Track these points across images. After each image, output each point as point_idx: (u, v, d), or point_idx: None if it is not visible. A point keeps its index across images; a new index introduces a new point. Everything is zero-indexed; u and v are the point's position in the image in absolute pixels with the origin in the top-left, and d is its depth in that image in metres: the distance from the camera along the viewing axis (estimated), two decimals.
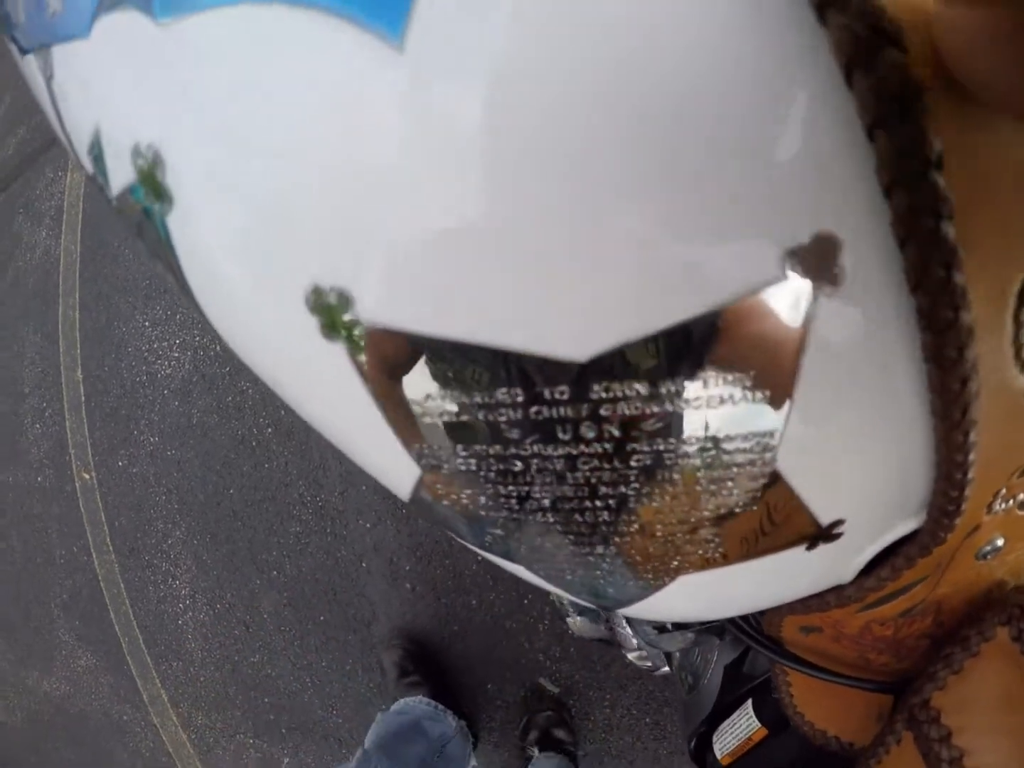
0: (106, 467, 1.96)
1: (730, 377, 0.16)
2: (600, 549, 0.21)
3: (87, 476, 1.99)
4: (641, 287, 0.15)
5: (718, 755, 0.52)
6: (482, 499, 0.21)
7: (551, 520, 0.20)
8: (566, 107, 0.14)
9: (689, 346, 0.15)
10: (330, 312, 0.17)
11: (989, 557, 0.24)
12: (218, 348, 1.83)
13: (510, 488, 0.20)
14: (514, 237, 0.15)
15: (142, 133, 0.18)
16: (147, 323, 1.96)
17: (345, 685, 1.60)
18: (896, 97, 0.12)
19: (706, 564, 0.21)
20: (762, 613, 0.31)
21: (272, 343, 0.20)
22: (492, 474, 0.19)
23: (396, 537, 1.54)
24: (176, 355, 1.89)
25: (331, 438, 0.24)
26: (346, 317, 0.17)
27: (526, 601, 1.39)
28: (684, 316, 0.15)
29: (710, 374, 0.16)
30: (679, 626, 0.51)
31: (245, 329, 0.21)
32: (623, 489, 0.19)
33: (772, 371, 0.16)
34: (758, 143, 0.13)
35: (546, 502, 0.20)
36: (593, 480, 0.19)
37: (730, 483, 0.18)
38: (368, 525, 1.58)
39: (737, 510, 0.19)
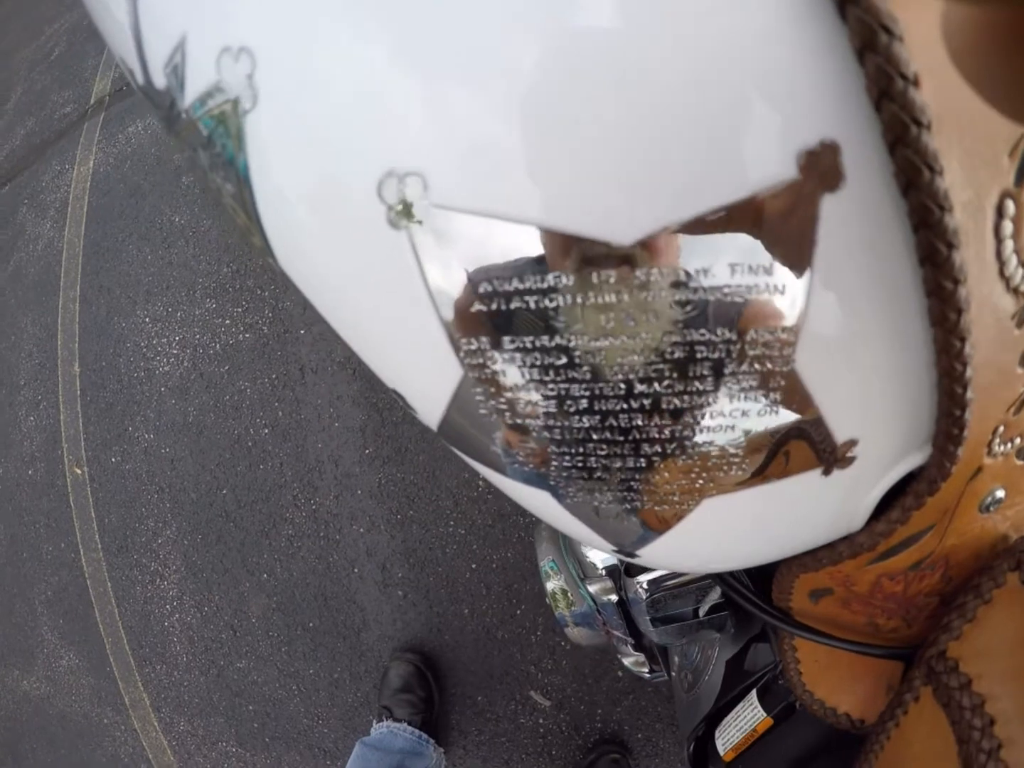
0: (98, 463, 1.94)
1: (751, 269, 0.18)
2: (631, 462, 0.22)
3: (79, 471, 1.97)
4: (684, 178, 0.17)
5: (721, 751, 0.52)
6: (522, 401, 0.22)
7: (587, 424, 0.22)
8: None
9: (720, 232, 0.17)
10: (402, 197, 0.19)
11: (992, 510, 0.26)
12: (218, 347, 1.83)
13: (551, 386, 0.21)
14: (574, 123, 0.17)
15: (233, 36, 0.20)
16: (147, 319, 1.96)
17: (332, 694, 1.57)
18: (878, 25, 0.15)
19: (730, 484, 0.23)
20: (771, 585, 0.33)
21: (333, 238, 0.21)
22: (536, 370, 0.21)
23: (390, 543, 1.54)
24: (175, 352, 1.89)
25: (367, 346, 0.24)
26: (418, 202, 0.19)
27: (519, 612, 1.39)
28: (717, 203, 0.17)
29: (734, 263, 0.18)
30: (669, 619, 0.51)
31: (305, 228, 0.22)
32: (656, 387, 0.20)
33: (789, 264, 0.18)
34: (776, 72, 0.16)
35: (584, 403, 0.21)
36: (631, 377, 0.20)
37: (753, 382, 0.20)
38: (362, 530, 1.57)
39: (761, 414, 0.21)
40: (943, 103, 0.16)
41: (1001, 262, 0.18)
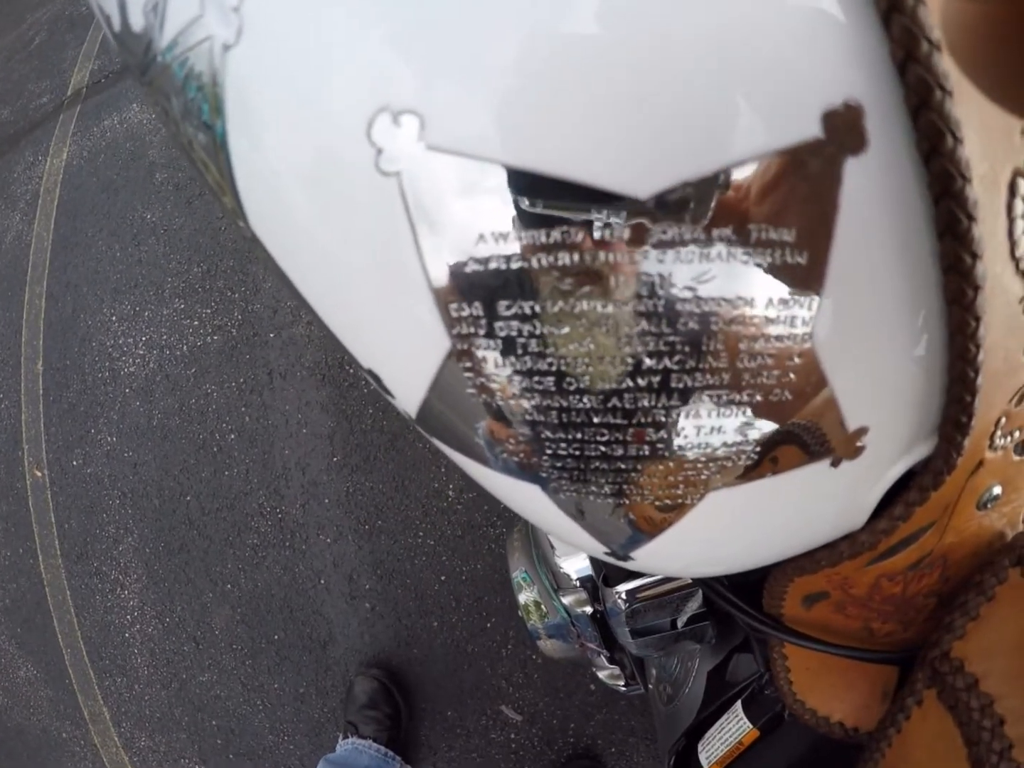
0: (59, 465, 1.90)
1: (774, 232, 0.17)
2: (633, 450, 0.21)
3: (39, 474, 1.92)
4: (705, 131, 0.16)
5: (704, 765, 0.51)
6: (516, 379, 0.20)
7: (587, 406, 0.20)
8: None
9: (741, 191, 0.17)
10: (397, 138, 0.17)
11: (989, 507, 0.26)
12: (185, 348, 1.80)
13: (549, 360, 0.19)
14: (593, 65, 0.16)
15: None
16: (114, 318, 1.92)
17: (298, 709, 1.55)
18: None
19: (737, 477, 0.21)
20: (756, 594, 0.32)
21: (313, 188, 0.19)
22: (534, 340, 0.19)
23: (357, 554, 1.52)
24: (141, 353, 1.85)
25: (343, 317, 0.23)
26: (413, 144, 0.17)
27: (489, 625, 1.38)
28: (737, 158, 0.16)
29: (757, 225, 0.17)
30: (649, 630, 0.49)
31: (283, 178, 0.20)
32: (667, 363, 0.19)
33: (811, 230, 0.17)
34: (803, 31, 0.16)
35: (586, 379, 0.19)
36: (639, 350, 0.18)
37: (769, 360, 0.19)
38: (329, 540, 1.55)
39: (773, 397, 0.19)
40: (960, 77, 0.16)
41: (1012, 242, 0.18)
